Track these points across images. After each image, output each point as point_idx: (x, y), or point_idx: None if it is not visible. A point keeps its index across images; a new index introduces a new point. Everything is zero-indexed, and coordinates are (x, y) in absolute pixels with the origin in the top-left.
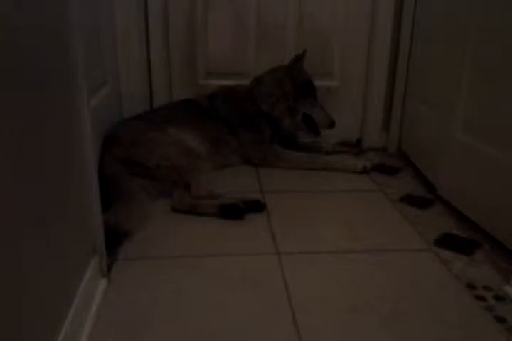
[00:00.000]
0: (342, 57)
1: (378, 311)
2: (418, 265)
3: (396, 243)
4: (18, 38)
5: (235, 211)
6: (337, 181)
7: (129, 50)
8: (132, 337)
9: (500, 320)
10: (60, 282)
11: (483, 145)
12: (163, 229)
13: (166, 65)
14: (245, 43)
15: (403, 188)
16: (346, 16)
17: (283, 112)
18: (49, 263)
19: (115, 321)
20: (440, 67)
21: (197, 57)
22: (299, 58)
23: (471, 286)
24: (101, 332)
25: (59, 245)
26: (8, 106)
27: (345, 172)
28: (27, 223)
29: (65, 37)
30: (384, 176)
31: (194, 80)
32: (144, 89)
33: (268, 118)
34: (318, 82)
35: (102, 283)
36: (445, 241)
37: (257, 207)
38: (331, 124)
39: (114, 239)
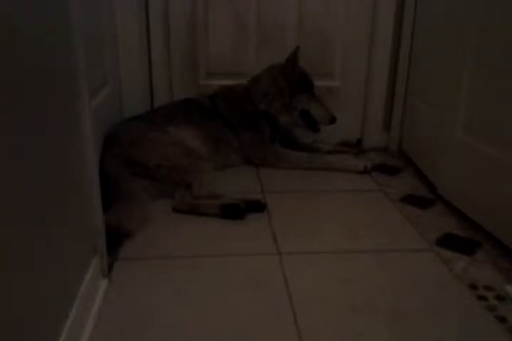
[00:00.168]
0: (343, 57)
1: (379, 311)
2: (419, 265)
3: (397, 243)
4: (18, 38)
5: (235, 211)
6: (338, 181)
7: (130, 50)
8: (132, 336)
9: (502, 320)
10: (60, 282)
11: (484, 145)
12: (163, 229)
13: (167, 64)
14: (246, 43)
15: (404, 188)
16: (347, 16)
17: (279, 110)
18: (49, 263)
19: (116, 321)
20: (440, 67)
21: (197, 57)
22: (291, 55)
23: (472, 286)
24: (102, 332)
25: (59, 245)
26: (8, 106)
27: (345, 173)
28: (27, 223)
29: (66, 37)
30: (385, 176)
31: (195, 80)
32: (144, 90)
33: (267, 117)
34: (318, 82)
35: (103, 283)
36: (446, 241)
37: (257, 207)
38: (332, 120)
39: (115, 239)
